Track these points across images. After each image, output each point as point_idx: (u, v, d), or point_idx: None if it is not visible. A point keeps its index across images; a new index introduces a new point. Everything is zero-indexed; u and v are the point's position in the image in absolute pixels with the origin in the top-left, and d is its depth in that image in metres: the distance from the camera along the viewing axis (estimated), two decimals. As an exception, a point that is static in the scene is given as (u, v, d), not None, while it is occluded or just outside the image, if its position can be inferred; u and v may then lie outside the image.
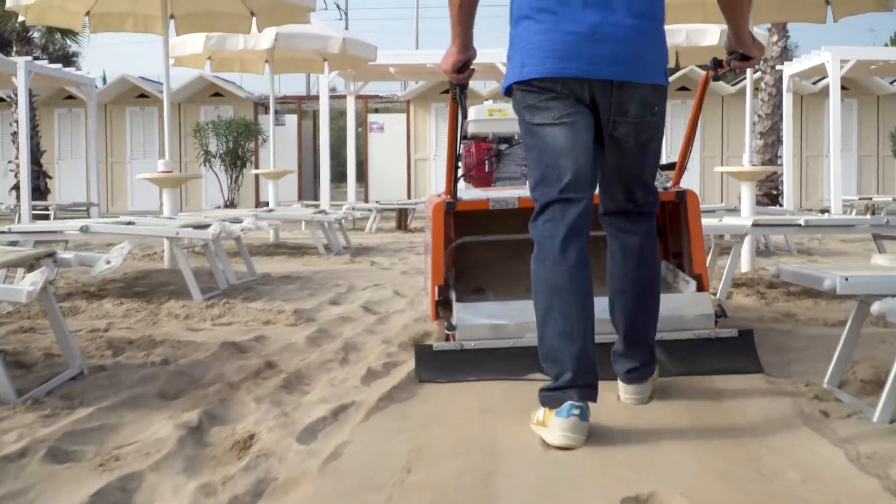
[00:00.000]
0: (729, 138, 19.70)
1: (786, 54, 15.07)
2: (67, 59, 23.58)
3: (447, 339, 3.45)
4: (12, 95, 17.31)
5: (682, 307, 3.49)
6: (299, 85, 34.17)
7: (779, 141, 14.96)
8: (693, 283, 3.68)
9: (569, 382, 2.51)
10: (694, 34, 10.98)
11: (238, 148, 17.49)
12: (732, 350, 3.30)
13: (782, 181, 14.79)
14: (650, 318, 2.90)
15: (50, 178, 18.10)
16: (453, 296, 3.66)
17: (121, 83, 20.34)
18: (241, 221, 6.52)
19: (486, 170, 4.97)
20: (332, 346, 3.92)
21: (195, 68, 11.41)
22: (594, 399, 2.56)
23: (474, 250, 4.39)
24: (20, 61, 12.31)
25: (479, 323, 3.44)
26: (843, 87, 19.22)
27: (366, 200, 19.13)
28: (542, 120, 2.64)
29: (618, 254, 2.86)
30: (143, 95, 20.34)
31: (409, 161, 20.14)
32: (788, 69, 13.88)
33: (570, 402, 2.47)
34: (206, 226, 5.70)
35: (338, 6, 40.65)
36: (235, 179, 17.57)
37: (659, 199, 2.93)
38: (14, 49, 16.77)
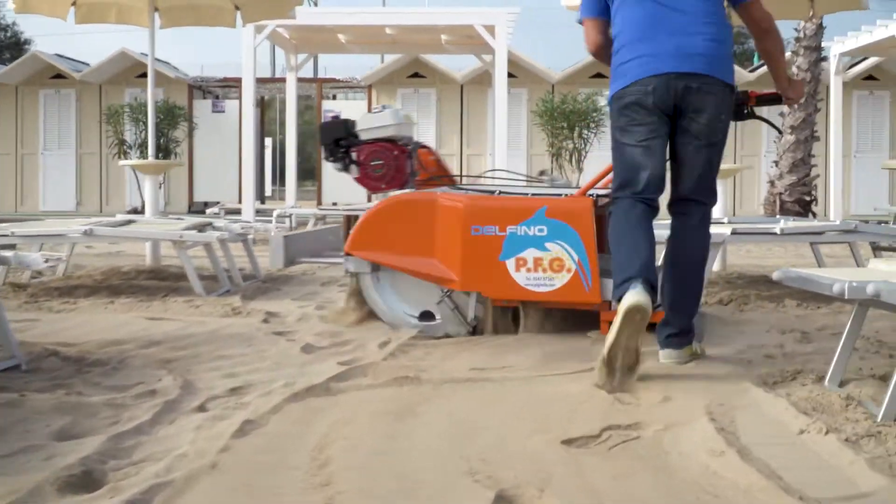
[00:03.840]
0: (743, 135, 20.04)
1: (821, 33, 15.31)
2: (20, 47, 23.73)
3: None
4: None
5: None
6: (262, 68, 34.53)
7: (813, 137, 15.07)
8: None
9: (636, 273, 3.88)
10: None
11: (160, 137, 17.55)
12: None
13: (816, 185, 14.93)
14: (693, 292, 4.26)
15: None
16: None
17: (32, 61, 20.62)
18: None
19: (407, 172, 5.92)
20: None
21: (50, 16, 9.57)
22: (654, 294, 3.88)
23: None
24: None
25: None
26: (871, 77, 20.29)
27: (318, 203, 19.71)
28: (628, 141, 4.16)
29: (678, 231, 4.25)
30: (58, 76, 20.73)
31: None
32: (838, 47, 13.80)
33: (631, 283, 3.83)
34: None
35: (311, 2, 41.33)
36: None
37: (716, 195, 4.34)
38: None
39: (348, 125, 5.69)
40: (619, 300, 3.84)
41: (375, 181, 5.66)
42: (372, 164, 5.62)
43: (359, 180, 5.74)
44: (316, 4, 40.66)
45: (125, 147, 18.17)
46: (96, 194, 20.72)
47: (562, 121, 16.58)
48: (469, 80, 20.09)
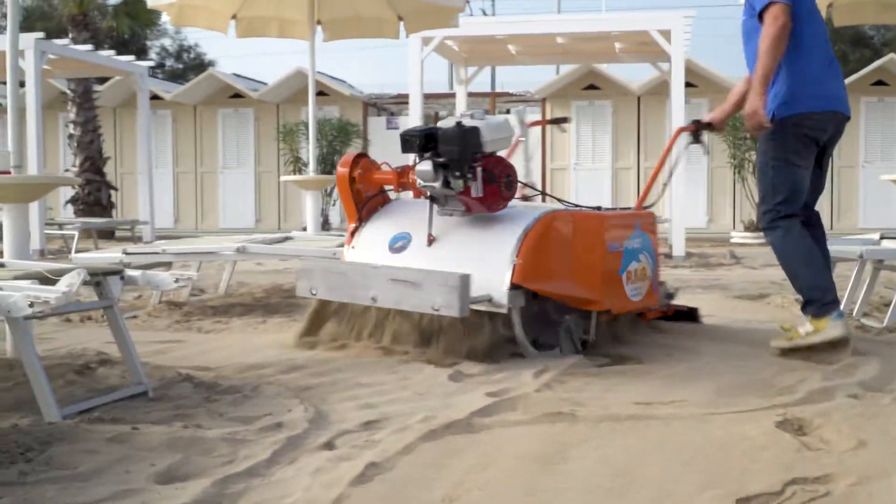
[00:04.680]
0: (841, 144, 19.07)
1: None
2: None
3: None
4: (69, 91, 18.29)
5: None
6: (438, 84, 34.69)
7: None
8: None
9: (832, 299, 4.68)
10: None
11: (333, 154, 17.79)
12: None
13: None
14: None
15: (115, 189, 19.08)
16: None
17: (209, 81, 21.10)
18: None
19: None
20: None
21: (208, 29, 9.65)
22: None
23: None
24: (28, 38, 11.73)
25: None
26: (880, 83, 18.92)
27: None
28: (799, 162, 4.80)
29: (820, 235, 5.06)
30: (237, 95, 21.18)
31: (544, 171, 20.37)
32: None
33: (838, 311, 4.67)
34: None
35: (483, 12, 41.42)
36: (330, 192, 17.69)
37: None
38: (70, 35, 17.27)
39: (477, 133, 4.65)
40: (817, 316, 4.68)
41: (504, 200, 4.77)
42: (506, 179, 4.73)
43: (481, 200, 4.68)
44: (493, 14, 40.54)
45: (301, 164, 18.30)
46: (274, 211, 21.01)
47: (744, 131, 15.83)
48: (646, 90, 19.44)
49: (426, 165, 4.68)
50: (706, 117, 5.60)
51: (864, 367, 4.38)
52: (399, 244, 4.88)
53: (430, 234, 4.81)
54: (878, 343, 5.10)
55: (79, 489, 2.65)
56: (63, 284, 3.30)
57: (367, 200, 5.14)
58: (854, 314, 5.94)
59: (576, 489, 2.70)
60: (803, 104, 4.73)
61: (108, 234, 16.86)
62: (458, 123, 4.65)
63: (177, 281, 4.01)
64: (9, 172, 4.64)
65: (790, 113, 4.73)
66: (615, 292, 4.96)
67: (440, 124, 4.78)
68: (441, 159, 4.65)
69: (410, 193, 5.16)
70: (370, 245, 4.98)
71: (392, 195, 5.30)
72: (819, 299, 4.68)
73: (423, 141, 4.66)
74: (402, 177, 5.02)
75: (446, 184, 4.66)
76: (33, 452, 2.93)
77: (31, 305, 3.09)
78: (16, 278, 3.49)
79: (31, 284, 3.39)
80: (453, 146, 4.62)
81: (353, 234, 5.09)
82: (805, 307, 4.77)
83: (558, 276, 4.74)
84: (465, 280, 4.32)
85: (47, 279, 3.52)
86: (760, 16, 4.67)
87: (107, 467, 2.83)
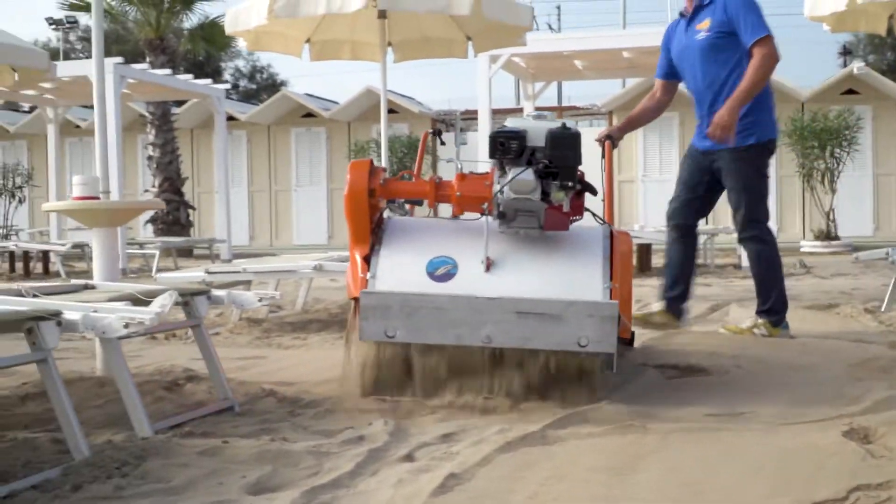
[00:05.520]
0: None
1: None
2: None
3: None
4: (147, 114, 18.73)
5: None
6: (507, 99, 34.77)
7: None
8: None
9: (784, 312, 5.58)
10: None
11: (403, 169, 17.96)
12: None
13: None
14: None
15: (193, 208, 19.45)
16: None
17: (282, 101, 21.52)
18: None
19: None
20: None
21: (284, 53, 9.71)
22: None
23: None
24: (107, 63, 11.97)
25: None
26: (851, 91, 18.51)
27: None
28: (766, 174, 5.56)
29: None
30: (309, 115, 21.50)
31: (612, 184, 20.28)
32: None
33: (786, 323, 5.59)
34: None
35: (549, 26, 41.50)
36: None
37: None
38: (148, 59, 17.71)
39: (580, 139, 4.09)
40: (776, 325, 5.55)
41: (576, 215, 4.29)
42: (587, 191, 4.28)
43: (566, 216, 4.17)
44: (560, 28, 40.61)
45: (371, 181, 18.47)
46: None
47: (812, 140, 15.71)
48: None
49: (528, 174, 3.98)
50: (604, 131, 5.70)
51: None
52: (442, 270, 4.06)
53: (487, 258, 4.04)
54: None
55: (173, 502, 2.78)
56: (156, 305, 3.45)
57: (379, 219, 4.35)
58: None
59: (647, 499, 2.78)
60: (772, 130, 5.55)
61: (186, 253, 17.21)
62: (564, 125, 4.05)
63: (260, 300, 4.16)
64: (97, 198, 4.82)
65: (767, 138, 5.48)
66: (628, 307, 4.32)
67: (516, 124, 4.14)
68: (543, 167, 3.99)
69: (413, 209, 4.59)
70: (399, 273, 4.09)
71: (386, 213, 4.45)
72: (782, 311, 5.55)
73: (521, 144, 4.02)
74: (441, 188, 4.31)
75: (544, 196, 4.03)
76: (128, 467, 3.07)
77: (126, 326, 3.24)
78: (110, 300, 3.66)
79: (124, 306, 3.55)
80: (568, 151, 4.01)
81: (366, 259, 4.15)
82: (768, 313, 5.55)
83: (623, 301, 4.10)
84: (615, 308, 3.81)
85: (139, 300, 3.68)
86: (753, 45, 5.24)
87: (199, 480, 2.96)
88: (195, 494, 2.84)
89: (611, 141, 5.54)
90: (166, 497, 2.81)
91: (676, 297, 5.67)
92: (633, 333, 4.74)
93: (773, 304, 5.54)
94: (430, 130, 4.68)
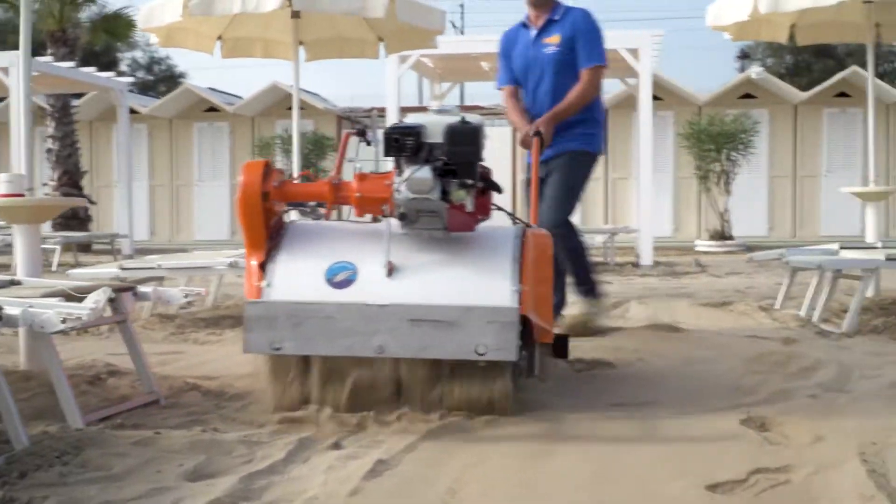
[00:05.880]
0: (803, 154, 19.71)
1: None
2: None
3: None
4: (48, 106, 18.42)
5: None
6: (411, 97, 34.80)
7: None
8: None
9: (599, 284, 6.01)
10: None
11: (309, 167, 17.60)
12: None
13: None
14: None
15: (94, 203, 19.15)
16: None
17: (184, 95, 21.29)
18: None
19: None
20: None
21: (195, 50, 9.71)
22: None
23: None
24: (11, 56, 12.18)
25: None
26: (843, 94, 19.41)
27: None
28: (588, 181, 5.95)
29: None
30: (212, 109, 21.37)
31: (514, 185, 20.55)
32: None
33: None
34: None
35: (453, 25, 41.65)
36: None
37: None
38: (49, 51, 17.39)
39: (482, 132, 3.86)
40: (597, 296, 6.01)
41: (482, 215, 4.07)
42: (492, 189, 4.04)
43: (471, 216, 3.95)
44: (463, 29, 40.98)
45: (275, 177, 18.44)
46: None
47: (709, 143, 16.22)
48: (614, 104, 19.75)
49: (425, 172, 3.72)
50: None
51: (822, 370, 4.70)
52: (342, 276, 3.80)
53: (389, 262, 3.79)
54: (836, 348, 5.44)
55: (117, 488, 2.91)
56: (90, 301, 3.57)
57: (278, 223, 4.11)
58: (814, 320, 6.30)
59: (563, 480, 3.01)
60: (600, 144, 6.00)
61: (85, 248, 17.00)
62: (464, 119, 3.77)
63: (186, 296, 4.28)
64: (22, 195, 4.88)
65: (596, 150, 5.94)
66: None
67: (414, 120, 3.87)
68: (441, 164, 3.74)
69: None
70: (296, 280, 3.84)
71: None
72: (596, 281, 6.02)
73: (418, 141, 3.76)
74: (340, 190, 4.08)
75: (443, 195, 3.76)
76: (68, 456, 3.18)
77: (64, 321, 3.35)
78: (44, 296, 3.76)
79: (58, 301, 3.65)
80: (466, 147, 3.76)
81: (262, 266, 3.90)
82: (588, 291, 5.94)
83: (539, 304, 3.92)
84: (516, 313, 3.62)
85: (72, 297, 3.79)
86: (584, 70, 5.66)
87: (138, 468, 3.09)
88: (136, 481, 2.97)
89: (540, 138, 5.44)
90: (110, 483, 2.94)
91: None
92: (564, 338, 4.25)
93: (591, 281, 5.95)
94: (352, 131, 4.37)
